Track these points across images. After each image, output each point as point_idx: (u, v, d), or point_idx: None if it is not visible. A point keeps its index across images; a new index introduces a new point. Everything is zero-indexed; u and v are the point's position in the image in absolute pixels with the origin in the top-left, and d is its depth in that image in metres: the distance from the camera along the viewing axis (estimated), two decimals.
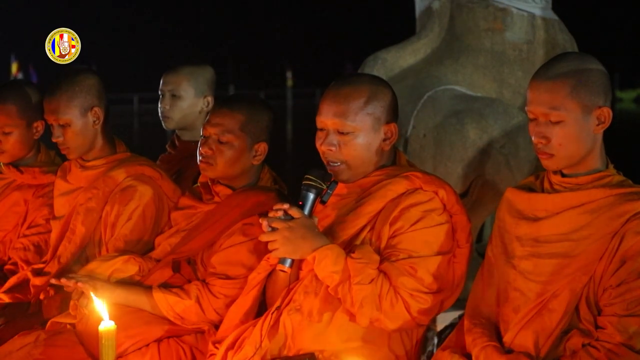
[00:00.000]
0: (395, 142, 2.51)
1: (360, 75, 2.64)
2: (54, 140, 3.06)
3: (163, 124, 3.64)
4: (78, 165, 3.14)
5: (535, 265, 2.19)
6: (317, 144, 2.47)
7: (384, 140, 2.46)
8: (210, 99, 3.60)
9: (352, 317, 2.35)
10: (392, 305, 2.30)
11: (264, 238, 2.36)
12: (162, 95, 3.60)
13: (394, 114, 2.49)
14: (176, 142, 3.66)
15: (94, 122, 3.06)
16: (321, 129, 2.47)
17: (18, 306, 3.12)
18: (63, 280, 2.72)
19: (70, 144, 3.04)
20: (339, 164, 2.44)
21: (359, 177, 2.48)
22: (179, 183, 3.22)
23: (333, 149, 2.43)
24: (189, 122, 3.59)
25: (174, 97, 3.56)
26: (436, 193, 2.41)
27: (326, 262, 2.33)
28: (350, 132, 2.42)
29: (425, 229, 2.36)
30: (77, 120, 3.03)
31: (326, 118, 2.44)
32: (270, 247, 2.36)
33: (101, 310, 2.09)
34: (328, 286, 2.36)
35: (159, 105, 3.61)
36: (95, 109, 3.06)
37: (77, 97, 3.03)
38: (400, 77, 3.98)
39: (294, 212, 2.35)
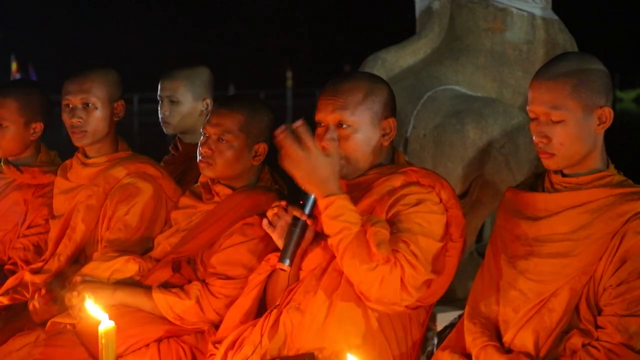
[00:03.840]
0: (394, 138, 2.52)
1: (356, 72, 2.66)
2: (72, 121, 3.02)
3: (164, 129, 3.64)
4: (79, 162, 3.14)
5: (535, 265, 2.19)
6: (317, 141, 2.47)
7: (383, 135, 2.47)
8: (209, 101, 3.59)
9: (352, 317, 2.34)
10: (391, 269, 2.26)
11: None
12: (161, 101, 3.60)
13: (392, 110, 2.49)
14: (178, 144, 3.67)
15: (115, 114, 3.09)
16: (320, 125, 2.47)
17: (18, 306, 3.12)
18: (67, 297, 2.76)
19: (89, 128, 3.04)
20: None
21: (357, 173, 2.48)
22: (182, 185, 3.22)
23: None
24: (189, 126, 3.58)
25: (173, 102, 3.55)
26: (433, 187, 2.41)
27: (344, 210, 2.28)
28: (350, 126, 2.42)
29: (420, 212, 2.35)
30: (104, 106, 3.05)
31: (325, 113, 2.44)
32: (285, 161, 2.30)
33: (98, 314, 2.09)
34: (335, 255, 2.32)
35: (159, 111, 3.61)
36: (121, 102, 3.09)
37: (109, 84, 3.06)
38: (400, 77, 3.99)
39: (296, 211, 2.35)
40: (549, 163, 2.20)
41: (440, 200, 2.40)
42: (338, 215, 2.29)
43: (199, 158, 2.76)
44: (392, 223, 2.35)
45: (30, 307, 2.98)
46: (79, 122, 3.02)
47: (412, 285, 2.29)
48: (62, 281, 3.02)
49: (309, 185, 2.32)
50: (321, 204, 2.32)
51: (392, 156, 2.56)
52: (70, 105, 3.04)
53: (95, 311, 2.12)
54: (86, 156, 3.14)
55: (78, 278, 2.81)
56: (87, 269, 2.85)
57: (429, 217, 2.36)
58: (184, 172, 3.53)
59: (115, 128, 3.15)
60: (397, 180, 2.43)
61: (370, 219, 2.31)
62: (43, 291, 3.02)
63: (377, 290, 2.28)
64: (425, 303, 2.42)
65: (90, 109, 3.02)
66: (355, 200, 2.44)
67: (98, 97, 3.03)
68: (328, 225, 2.32)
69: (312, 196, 2.39)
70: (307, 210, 2.38)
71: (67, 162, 3.23)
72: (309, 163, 2.28)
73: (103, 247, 2.96)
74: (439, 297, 2.44)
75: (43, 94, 3.37)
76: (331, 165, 2.31)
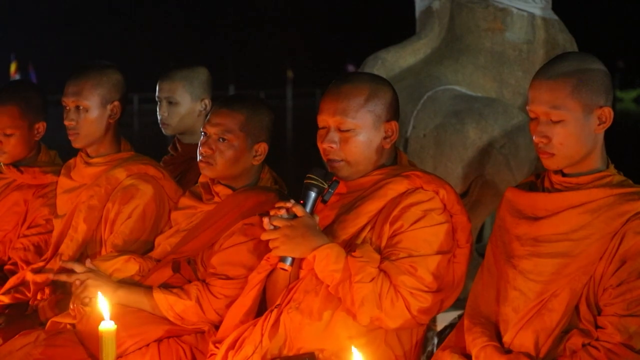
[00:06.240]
0: (396, 141, 2.51)
1: (360, 73, 2.64)
2: (66, 122, 3.05)
3: (162, 131, 3.64)
4: (82, 161, 3.15)
5: (535, 265, 2.19)
6: (318, 142, 2.48)
7: (385, 138, 2.47)
8: (207, 101, 3.58)
9: (352, 316, 2.34)
10: (393, 303, 2.30)
11: (265, 236, 2.37)
12: (159, 102, 3.59)
13: (394, 112, 2.49)
14: (177, 145, 3.66)
15: (110, 116, 3.08)
16: (322, 127, 2.47)
17: (18, 306, 3.12)
18: (70, 265, 2.76)
19: (81, 131, 3.05)
20: (339, 161, 2.45)
21: (359, 175, 2.48)
22: (181, 185, 3.22)
23: (334, 146, 2.43)
24: (188, 126, 3.57)
25: (171, 104, 3.54)
26: (437, 192, 2.41)
27: (327, 261, 2.33)
28: (351, 129, 2.42)
29: (426, 228, 2.36)
30: (96, 108, 3.04)
31: (327, 115, 2.44)
32: (271, 245, 2.36)
33: (103, 309, 2.10)
34: (328, 285, 2.36)
35: (157, 112, 3.61)
36: (116, 103, 3.08)
37: (103, 86, 3.05)
38: (400, 77, 3.99)
39: (298, 210, 2.35)
40: (548, 163, 2.20)
41: (445, 206, 2.41)
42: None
43: (199, 158, 2.76)
44: (398, 240, 2.36)
45: (40, 304, 2.99)
46: (71, 124, 3.04)
47: (421, 311, 2.33)
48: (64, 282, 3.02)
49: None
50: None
51: (394, 157, 2.56)
52: (66, 107, 3.06)
53: (100, 302, 2.13)
54: (89, 155, 3.15)
55: (81, 268, 2.79)
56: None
57: (436, 229, 2.37)
58: (183, 173, 3.53)
59: (118, 129, 3.15)
60: (400, 185, 2.42)
61: (355, 255, 2.34)
62: (47, 291, 3.03)
63: (391, 323, 2.33)
64: (436, 313, 2.45)
65: (82, 111, 3.03)
66: (359, 201, 2.45)
67: (90, 100, 3.03)
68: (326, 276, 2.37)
69: (313, 194, 2.39)
70: (308, 210, 2.38)
71: (71, 161, 3.24)
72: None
73: (109, 252, 2.96)
74: (450, 305, 2.46)
75: (39, 93, 3.37)
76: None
